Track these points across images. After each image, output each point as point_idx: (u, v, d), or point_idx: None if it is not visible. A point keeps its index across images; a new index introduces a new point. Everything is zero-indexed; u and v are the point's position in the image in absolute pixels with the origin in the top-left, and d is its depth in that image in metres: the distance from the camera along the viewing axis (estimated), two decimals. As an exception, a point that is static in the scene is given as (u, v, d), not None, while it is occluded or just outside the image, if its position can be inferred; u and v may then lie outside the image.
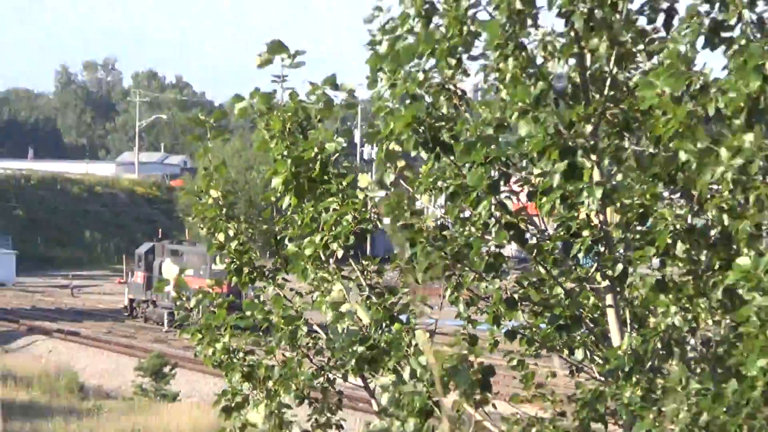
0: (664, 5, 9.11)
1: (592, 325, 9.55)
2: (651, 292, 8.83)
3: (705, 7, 8.65)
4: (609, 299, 8.87)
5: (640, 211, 8.97)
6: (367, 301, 9.73)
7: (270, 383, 10.57)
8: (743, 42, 8.27)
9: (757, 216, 7.97)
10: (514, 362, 10.46)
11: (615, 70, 8.75)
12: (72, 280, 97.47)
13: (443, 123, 8.73)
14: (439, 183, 8.88)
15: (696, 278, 8.86)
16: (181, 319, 11.49)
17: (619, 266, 8.47)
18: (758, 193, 7.80)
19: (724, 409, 7.71)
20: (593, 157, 8.43)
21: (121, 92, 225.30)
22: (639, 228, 8.96)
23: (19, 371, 55.64)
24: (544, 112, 8.39)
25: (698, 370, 8.86)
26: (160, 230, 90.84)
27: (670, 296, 8.80)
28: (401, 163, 9.09)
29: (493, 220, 8.45)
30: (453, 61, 8.67)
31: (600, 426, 9.24)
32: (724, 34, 8.54)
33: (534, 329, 9.56)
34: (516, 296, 9.29)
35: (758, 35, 8.42)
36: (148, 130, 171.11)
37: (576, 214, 8.58)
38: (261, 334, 11.27)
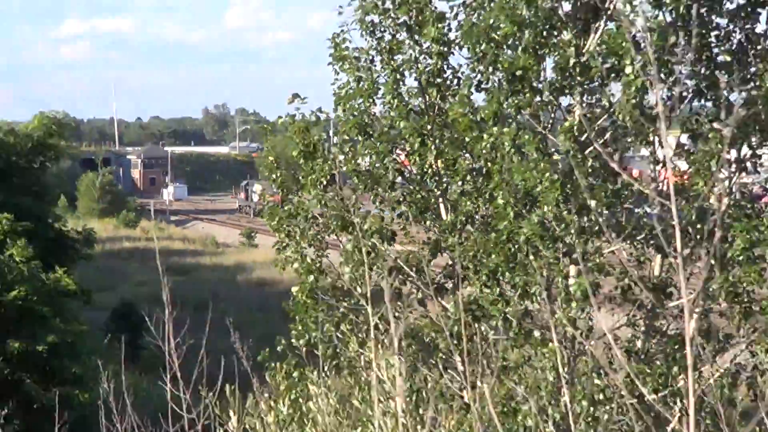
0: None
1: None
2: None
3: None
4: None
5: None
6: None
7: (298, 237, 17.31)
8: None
9: None
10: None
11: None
12: (212, 198, 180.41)
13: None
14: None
15: None
16: (259, 210, 22.96)
17: None
18: None
19: None
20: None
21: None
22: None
23: (189, 236, 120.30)
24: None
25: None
26: (249, 176, 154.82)
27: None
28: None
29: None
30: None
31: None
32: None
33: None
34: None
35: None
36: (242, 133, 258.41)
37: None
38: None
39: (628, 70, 13.27)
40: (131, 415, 10.15)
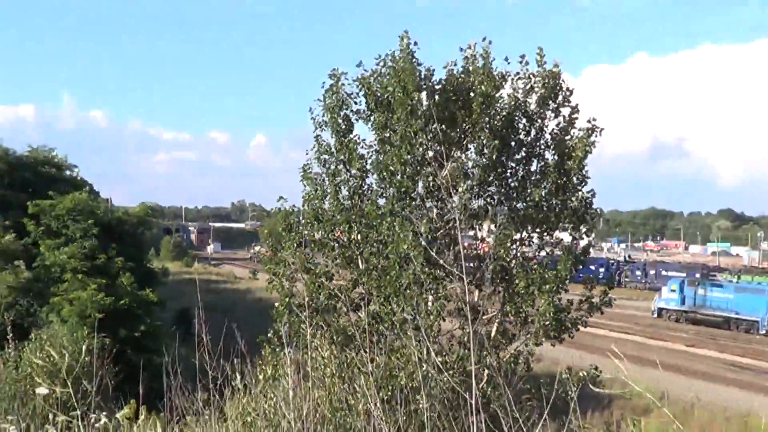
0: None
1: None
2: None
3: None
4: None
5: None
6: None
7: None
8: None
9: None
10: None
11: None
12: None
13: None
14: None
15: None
16: (260, 260, 24.16)
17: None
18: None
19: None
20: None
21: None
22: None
23: (221, 272, 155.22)
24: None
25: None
26: (255, 240, 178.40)
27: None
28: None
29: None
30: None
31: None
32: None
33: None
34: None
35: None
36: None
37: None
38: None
39: (461, 190, 19.88)
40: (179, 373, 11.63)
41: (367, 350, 17.33)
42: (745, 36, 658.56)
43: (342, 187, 21.54)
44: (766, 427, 47.49)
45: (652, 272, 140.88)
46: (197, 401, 10.34)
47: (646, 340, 78.50)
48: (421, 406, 16.46)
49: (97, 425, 9.56)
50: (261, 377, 16.84)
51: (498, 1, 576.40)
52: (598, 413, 39.44)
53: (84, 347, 14.05)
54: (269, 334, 20.76)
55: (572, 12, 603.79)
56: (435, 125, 19.95)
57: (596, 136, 21.35)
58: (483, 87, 20.30)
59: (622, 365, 8.61)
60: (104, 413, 9.58)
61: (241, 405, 12.94)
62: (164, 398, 11.19)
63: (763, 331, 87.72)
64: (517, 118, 21.16)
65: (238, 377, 12.47)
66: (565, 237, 22.46)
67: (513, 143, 21.22)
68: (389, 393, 15.80)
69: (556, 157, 21.46)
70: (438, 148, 20.21)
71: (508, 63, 21.19)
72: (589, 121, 21.41)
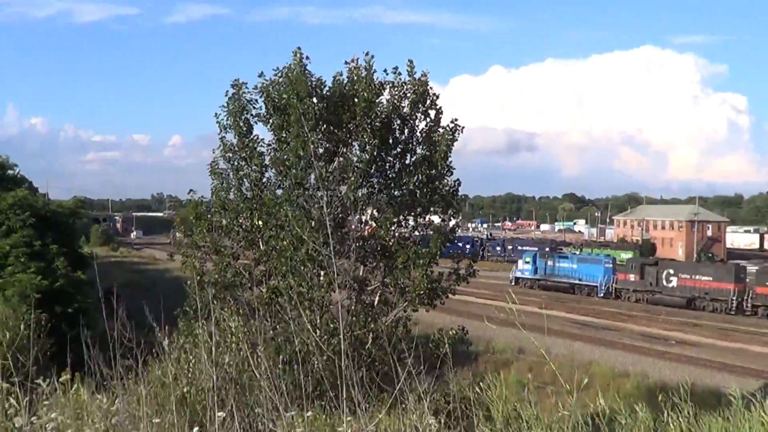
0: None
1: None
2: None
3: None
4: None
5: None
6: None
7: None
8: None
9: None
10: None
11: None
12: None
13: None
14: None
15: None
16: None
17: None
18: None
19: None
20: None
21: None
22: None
23: (143, 255, 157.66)
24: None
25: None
26: (172, 227, 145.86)
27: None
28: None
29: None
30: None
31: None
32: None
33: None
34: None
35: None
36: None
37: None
38: None
39: (351, 183, 20.05)
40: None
41: (269, 319, 17.67)
42: (584, 53, 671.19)
43: (245, 180, 21.63)
44: (604, 370, 48.61)
45: (510, 247, 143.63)
46: (119, 368, 10.12)
47: (507, 304, 79.34)
48: (316, 365, 16.67)
49: (35, 390, 9.39)
50: (177, 344, 16.54)
51: (378, 22, 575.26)
52: (467, 367, 39.84)
53: (22, 324, 13.82)
54: (185, 308, 20.39)
55: (440, 33, 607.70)
56: (324, 126, 20.45)
57: (458, 133, 21.98)
58: (365, 94, 20.65)
59: (485, 326, 8.58)
60: (41, 379, 9.40)
61: (160, 369, 12.67)
62: (90, 367, 10.93)
63: (602, 294, 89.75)
64: (393, 119, 21.49)
65: (165, 343, 12.28)
66: (436, 219, 22.78)
67: (390, 141, 21.53)
68: (288, 356, 15.80)
69: (425, 152, 21.89)
70: (327, 145, 20.86)
71: (387, 74, 21.55)
72: (452, 121, 22.04)
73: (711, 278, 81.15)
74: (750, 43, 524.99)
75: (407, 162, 21.99)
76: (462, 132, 22.00)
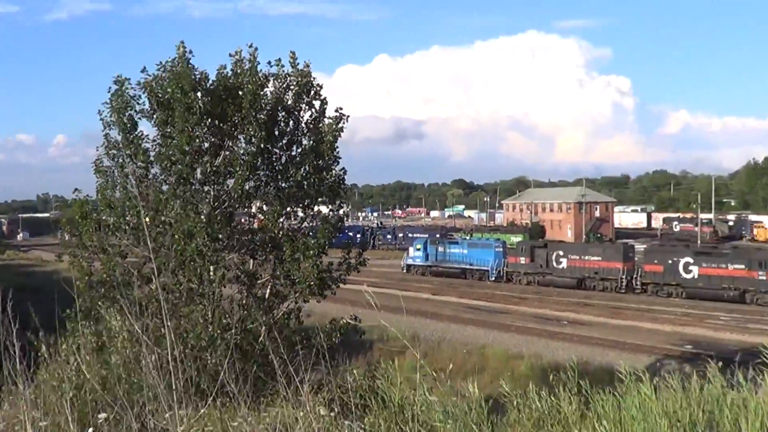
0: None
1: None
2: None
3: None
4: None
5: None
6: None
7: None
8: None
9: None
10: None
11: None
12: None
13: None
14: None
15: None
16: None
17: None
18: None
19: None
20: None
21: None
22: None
23: (30, 256, 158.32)
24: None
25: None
26: (60, 228, 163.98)
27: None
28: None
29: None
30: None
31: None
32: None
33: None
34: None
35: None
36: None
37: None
38: None
39: (238, 176, 20.15)
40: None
41: (160, 317, 17.13)
42: (469, 39, 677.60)
43: (130, 177, 21.15)
44: (498, 353, 49.48)
45: (401, 235, 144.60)
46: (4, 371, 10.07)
47: (399, 292, 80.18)
48: (210, 361, 16.70)
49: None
50: (64, 346, 16.39)
51: (263, 14, 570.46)
52: (362, 356, 40.22)
53: None
54: (73, 309, 20.17)
55: (326, 23, 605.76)
56: (209, 120, 20.42)
57: (344, 123, 22.17)
58: (250, 86, 20.66)
59: (380, 315, 8.92)
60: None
61: (47, 371, 12.70)
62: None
63: (493, 278, 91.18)
64: (278, 111, 21.55)
65: (44, 347, 12.35)
66: (324, 209, 22.94)
67: (276, 133, 21.58)
68: (181, 352, 15.68)
69: (312, 143, 22.03)
70: (213, 139, 20.73)
71: (271, 66, 21.60)
72: (336, 111, 22.21)
73: (600, 258, 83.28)
74: (632, 25, 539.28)
75: (293, 153, 22.09)
76: (347, 121, 22.20)
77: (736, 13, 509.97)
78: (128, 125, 20.92)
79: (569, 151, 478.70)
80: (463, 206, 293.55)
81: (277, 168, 21.87)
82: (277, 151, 21.87)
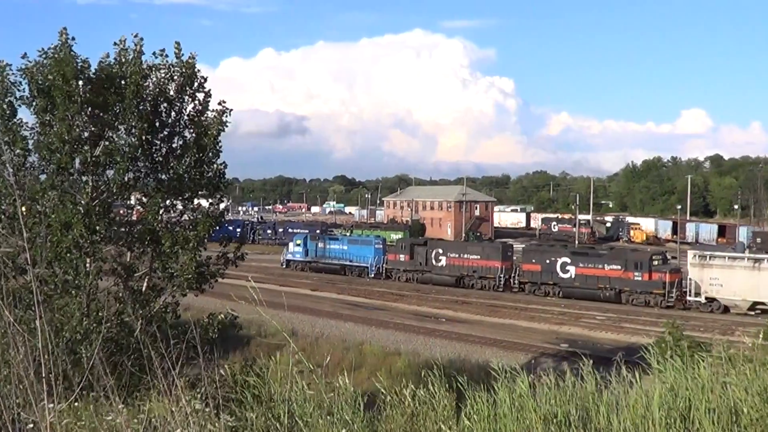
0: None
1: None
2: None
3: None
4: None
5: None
6: None
7: None
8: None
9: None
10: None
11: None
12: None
13: None
14: None
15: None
16: None
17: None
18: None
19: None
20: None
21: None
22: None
23: None
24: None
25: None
26: None
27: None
28: None
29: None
30: None
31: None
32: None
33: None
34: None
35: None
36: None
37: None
38: None
39: (118, 167, 20.17)
40: None
41: (34, 309, 17.07)
42: (354, 36, 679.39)
43: (7, 165, 20.94)
44: (375, 350, 49.96)
45: (281, 230, 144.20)
46: None
47: (278, 287, 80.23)
48: (84, 354, 16.70)
49: None
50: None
51: (149, 4, 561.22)
52: (239, 351, 40.22)
53: None
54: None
55: (213, 14, 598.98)
56: (89, 109, 20.31)
57: (227, 116, 22.35)
58: (134, 77, 20.56)
59: (259, 309, 8.98)
60: None
61: None
62: None
63: (372, 275, 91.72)
64: (160, 102, 21.49)
65: None
66: (205, 203, 22.98)
67: (157, 124, 21.52)
68: (56, 345, 15.64)
69: (194, 135, 22.11)
70: (93, 129, 20.56)
71: (156, 57, 21.52)
72: (220, 104, 22.42)
73: (479, 257, 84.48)
74: (516, 28, 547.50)
75: (174, 145, 22.12)
76: (230, 115, 22.40)
77: (618, 20, 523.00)
78: (7, 112, 20.62)
79: (451, 151, 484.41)
80: (343, 203, 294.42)
81: (157, 160, 21.81)
82: (158, 142, 21.83)
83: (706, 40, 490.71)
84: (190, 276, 21.21)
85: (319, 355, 44.93)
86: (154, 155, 21.83)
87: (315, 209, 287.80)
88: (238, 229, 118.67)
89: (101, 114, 20.79)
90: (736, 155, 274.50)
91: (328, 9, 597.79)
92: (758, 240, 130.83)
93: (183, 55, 21.85)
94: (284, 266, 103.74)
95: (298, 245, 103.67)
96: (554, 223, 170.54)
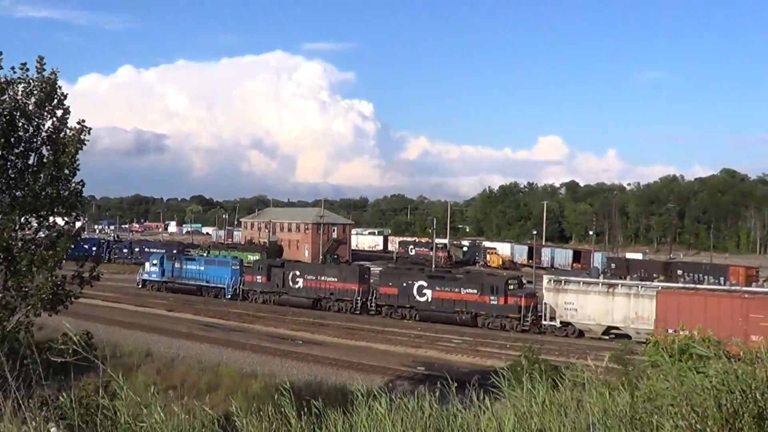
0: None
1: None
2: None
3: None
4: None
5: None
6: None
7: None
8: None
9: None
10: None
11: None
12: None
13: None
14: None
15: None
16: None
17: None
18: None
19: None
20: None
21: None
22: None
23: None
24: None
25: None
26: None
27: None
28: None
29: None
30: None
31: None
32: None
33: None
34: None
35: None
36: None
37: None
38: None
39: None
40: None
41: None
42: (215, 55, 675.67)
43: None
44: (232, 372, 49.66)
45: (137, 249, 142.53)
46: None
47: (135, 307, 79.11)
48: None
49: None
50: None
51: (8, 16, 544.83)
52: (94, 372, 39.27)
53: None
54: None
55: (72, 30, 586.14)
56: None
57: (86, 134, 22.04)
58: (-9, 91, 19.85)
59: (112, 329, 8.88)
60: None
61: None
62: None
63: (229, 296, 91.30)
64: (17, 117, 21.00)
65: None
66: (60, 221, 22.60)
67: (13, 139, 21.01)
68: None
69: (51, 153, 21.64)
70: None
71: (15, 72, 21.09)
72: (79, 123, 22.03)
73: (336, 279, 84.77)
74: (376, 51, 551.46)
75: (30, 162, 21.62)
76: (89, 133, 22.12)
77: (476, 46, 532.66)
78: None
79: (310, 172, 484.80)
80: (200, 223, 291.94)
81: (12, 176, 21.30)
82: (14, 158, 21.35)
83: (564, 68, 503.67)
84: (44, 296, 20.78)
85: (176, 377, 44.57)
86: (9, 171, 21.30)
87: (172, 229, 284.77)
88: (94, 248, 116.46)
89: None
90: (591, 182, 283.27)
91: (189, 28, 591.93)
92: (612, 266, 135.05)
93: (45, 70, 21.46)
94: (140, 286, 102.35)
95: (155, 265, 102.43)
96: (411, 246, 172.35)
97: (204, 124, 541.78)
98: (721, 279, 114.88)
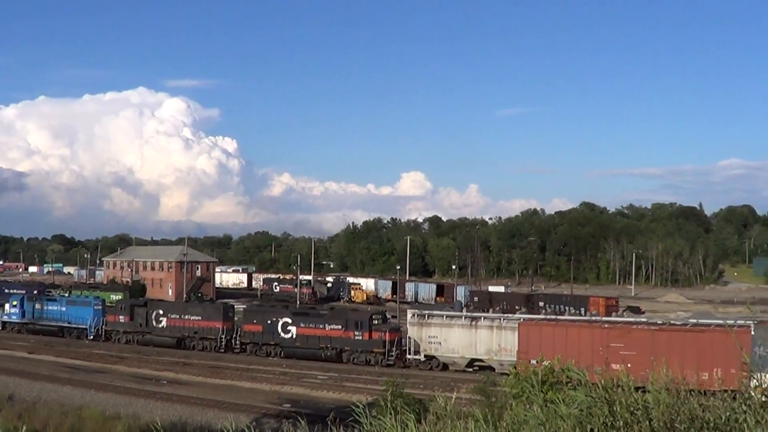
0: None
1: None
2: None
3: None
4: None
5: None
6: None
7: None
8: None
9: None
10: None
11: None
12: None
13: None
14: None
15: None
16: None
17: None
18: None
19: None
20: None
21: None
22: None
23: None
24: None
25: None
26: None
27: None
28: None
29: None
30: None
31: None
32: None
33: None
34: None
35: None
36: None
37: None
38: None
39: None
40: None
41: None
42: (78, 92, 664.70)
43: None
44: (95, 414, 49.01)
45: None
46: None
47: None
48: None
49: None
50: None
51: None
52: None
53: None
54: None
55: None
56: None
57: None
58: None
59: None
60: None
61: None
62: None
63: (91, 337, 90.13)
64: None
65: None
66: None
67: None
68: None
69: None
70: None
71: None
72: None
73: (200, 317, 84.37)
74: (239, 88, 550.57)
75: None
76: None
77: (337, 84, 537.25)
78: None
79: (173, 210, 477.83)
80: (62, 263, 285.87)
81: None
82: None
83: (425, 105, 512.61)
84: None
85: (38, 421, 43.76)
86: None
87: (33, 269, 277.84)
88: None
89: None
90: (454, 217, 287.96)
91: (50, 63, 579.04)
92: (475, 299, 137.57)
93: None
94: (0, 328, 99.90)
95: (15, 306, 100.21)
96: (276, 283, 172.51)
97: (66, 161, 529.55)
98: (582, 309, 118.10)
